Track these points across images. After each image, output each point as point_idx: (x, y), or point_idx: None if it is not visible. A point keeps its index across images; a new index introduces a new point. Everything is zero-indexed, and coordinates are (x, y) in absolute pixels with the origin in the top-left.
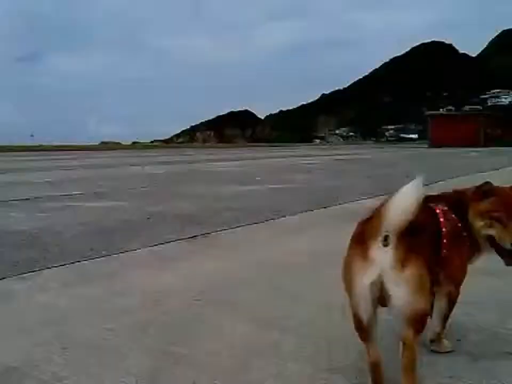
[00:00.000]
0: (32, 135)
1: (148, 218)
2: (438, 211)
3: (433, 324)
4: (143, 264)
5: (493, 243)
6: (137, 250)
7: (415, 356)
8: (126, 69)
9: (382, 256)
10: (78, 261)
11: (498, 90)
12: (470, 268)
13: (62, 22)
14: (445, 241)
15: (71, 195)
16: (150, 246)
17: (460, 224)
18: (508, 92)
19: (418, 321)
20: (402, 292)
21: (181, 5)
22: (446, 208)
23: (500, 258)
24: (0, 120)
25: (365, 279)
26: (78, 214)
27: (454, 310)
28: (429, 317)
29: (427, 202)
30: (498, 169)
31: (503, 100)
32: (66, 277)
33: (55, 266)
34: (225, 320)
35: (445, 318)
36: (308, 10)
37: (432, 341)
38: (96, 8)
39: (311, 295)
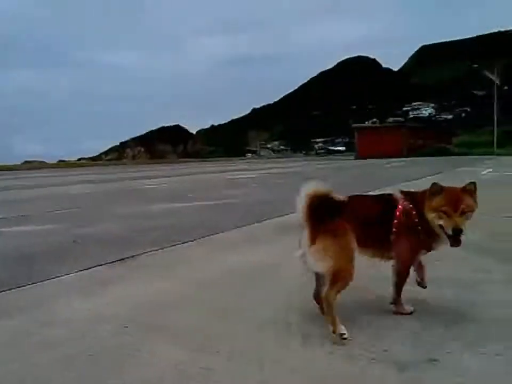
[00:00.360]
0: None
1: (74, 241)
2: (399, 206)
3: (391, 291)
4: (70, 291)
5: (442, 230)
6: (63, 277)
7: (330, 303)
8: (52, 84)
9: (303, 238)
10: (0, 291)
11: (419, 103)
12: None
13: None
14: (394, 229)
15: None
16: (76, 272)
17: (416, 220)
18: (428, 105)
19: (329, 279)
20: (310, 260)
21: (112, 17)
22: (410, 205)
23: None
24: None
25: (296, 254)
26: (1, 240)
27: None
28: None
29: (403, 198)
30: (421, 178)
31: (423, 112)
32: None
33: None
34: (156, 346)
35: (396, 286)
36: (240, 26)
37: (392, 303)
38: (19, 20)
39: (246, 312)
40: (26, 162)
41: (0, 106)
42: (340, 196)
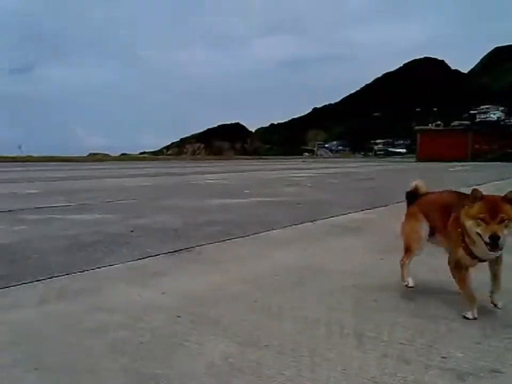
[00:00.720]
0: (20, 146)
1: (131, 231)
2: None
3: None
4: (124, 279)
5: (480, 238)
6: (119, 265)
7: (401, 264)
8: (117, 81)
9: None
10: (56, 276)
11: (487, 106)
12: None
13: (56, 35)
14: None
15: (55, 207)
16: (131, 261)
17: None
18: (497, 108)
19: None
20: None
21: (173, 17)
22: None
23: None
24: None
25: None
26: (60, 227)
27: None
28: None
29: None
30: (484, 184)
31: (492, 116)
32: (43, 293)
33: (31, 282)
34: (206, 338)
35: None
36: (301, 25)
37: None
38: (88, 21)
39: (295, 311)
40: (91, 154)
41: (67, 101)
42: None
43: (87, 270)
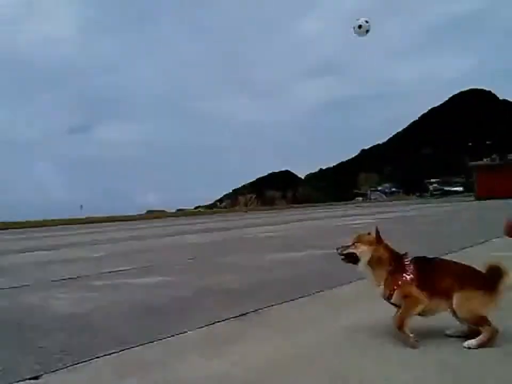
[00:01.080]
0: (81, 206)
1: (195, 294)
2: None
3: None
4: (193, 349)
5: None
6: (186, 333)
7: None
8: (165, 135)
9: None
10: (130, 347)
11: None
12: None
13: (110, 93)
14: None
15: (119, 271)
16: (198, 328)
17: None
18: None
19: None
20: None
21: (217, 67)
22: None
23: None
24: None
25: None
26: (127, 292)
27: None
28: None
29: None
30: None
31: None
32: (119, 366)
33: (107, 355)
34: None
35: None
36: (341, 67)
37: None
38: (140, 77)
39: (373, 377)
40: (148, 212)
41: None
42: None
43: (156, 341)
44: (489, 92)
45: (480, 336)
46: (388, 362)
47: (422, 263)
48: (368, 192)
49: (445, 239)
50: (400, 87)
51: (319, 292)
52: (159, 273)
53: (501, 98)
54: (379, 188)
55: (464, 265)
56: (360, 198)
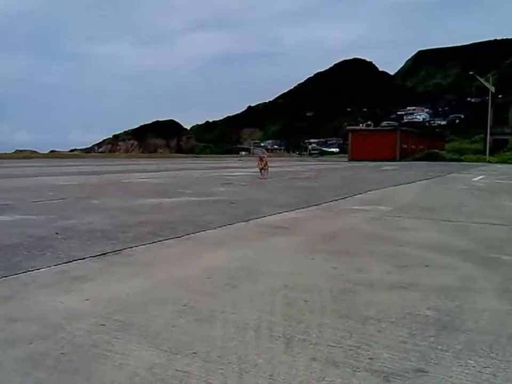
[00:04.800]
0: None
1: (56, 233)
2: None
3: None
4: (45, 285)
5: None
6: (41, 270)
7: None
8: (46, 75)
9: None
10: None
11: (413, 107)
12: None
13: None
14: None
15: None
16: (55, 265)
17: None
18: (422, 110)
19: None
20: None
21: (106, 12)
22: None
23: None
24: None
25: None
26: None
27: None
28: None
29: None
30: (412, 183)
31: (418, 117)
32: None
33: None
34: (131, 347)
35: None
36: (233, 23)
37: None
38: (14, 9)
39: (226, 315)
40: (17, 151)
41: None
42: None
43: (5, 276)
44: (370, 62)
45: None
46: (237, 300)
47: None
48: (252, 147)
49: (315, 193)
50: (291, 48)
51: (186, 235)
52: (18, 212)
53: (380, 69)
54: (262, 144)
55: None
56: (243, 152)
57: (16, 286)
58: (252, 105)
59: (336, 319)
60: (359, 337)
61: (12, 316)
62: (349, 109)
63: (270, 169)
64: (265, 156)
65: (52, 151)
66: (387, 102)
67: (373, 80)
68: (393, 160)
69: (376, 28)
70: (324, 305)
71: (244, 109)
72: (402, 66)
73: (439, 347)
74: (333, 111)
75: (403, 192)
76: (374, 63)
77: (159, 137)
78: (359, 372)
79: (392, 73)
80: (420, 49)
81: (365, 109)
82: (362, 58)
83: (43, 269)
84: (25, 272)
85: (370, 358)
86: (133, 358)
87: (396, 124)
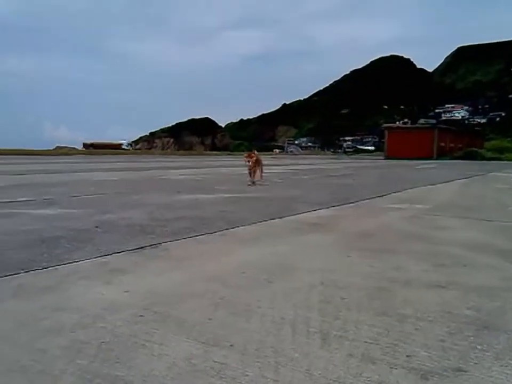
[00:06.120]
0: None
1: (96, 227)
2: None
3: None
4: (86, 277)
5: None
6: (81, 262)
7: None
8: (86, 74)
9: None
10: (15, 274)
11: (452, 105)
12: None
13: (25, 23)
14: None
15: (18, 201)
16: (95, 257)
17: None
18: (462, 107)
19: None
20: None
21: (144, 10)
22: None
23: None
24: None
25: None
26: (22, 222)
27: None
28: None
29: None
30: (450, 181)
31: (456, 114)
32: (3, 290)
33: None
34: (168, 338)
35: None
36: (269, 21)
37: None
38: (59, 10)
39: (262, 309)
40: (57, 147)
41: (31, 92)
42: None
43: (47, 268)
44: (408, 59)
45: None
46: (272, 296)
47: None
48: (286, 145)
49: (350, 190)
50: (324, 46)
51: (221, 230)
52: (60, 206)
53: (418, 66)
54: (296, 142)
55: None
56: (277, 150)
57: (59, 276)
58: (287, 102)
59: (373, 317)
60: (396, 335)
61: (55, 305)
62: (385, 107)
63: (303, 166)
64: (255, 152)
65: (90, 145)
66: (425, 100)
67: (411, 77)
68: (431, 158)
69: (414, 24)
70: (360, 303)
71: (279, 106)
72: (441, 63)
73: (479, 347)
74: (369, 109)
75: (441, 191)
76: (411, 60)
77: (194, 135)
78: (396, 369)
79: (430, 70)
80: (459, 45)
81: (402, 107)
82: (400, 55)
83: (83, 261)
84: (67, 263)
85: (407, 356)
86: (171, 348)
87: (434, 121)
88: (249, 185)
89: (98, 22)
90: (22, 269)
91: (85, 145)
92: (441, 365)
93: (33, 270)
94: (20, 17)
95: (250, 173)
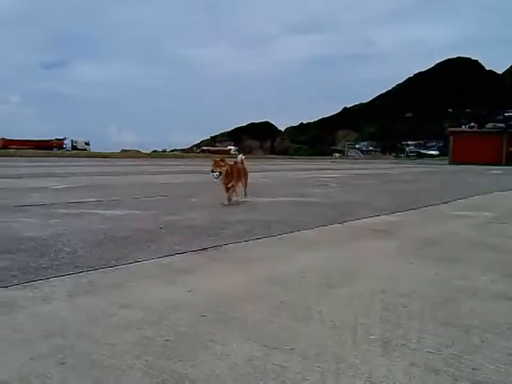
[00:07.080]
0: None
1: (160, 228)
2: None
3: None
4: (151, 276)
5: None
6: (147, 261)
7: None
8: (148, 79)
9: None
10: (87, 271)
11: None
12: None
13: (87, 31)
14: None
15: (88, 202)
16: (159, 257)
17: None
18: None
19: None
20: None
21: (201, 16)
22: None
23: None
24: (25, 126)
25: None
26: (92, 222)
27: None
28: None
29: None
30: None
31: None
32: (72, 286)
33: (62, 276)
34: (230, 338)
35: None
36: (328, 25)
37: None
38: (120, 19)
39: (323, 314)
40: (123, 151)
41: (97, 98)
42: None
43: (115, 266)
44: (476, 61)
45: None
46: (333, 301)
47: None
48: (346, 149)
49: (413, 196)
50: (385, 49)
51: (280, 234)
52: (127, 207)
53: (487, 68)
54: (356, 146)
55: None
56: (337, 154)
57: (126, 275)
58: (347, 106)
59: (436, 326)
60: (461, 346)
61: (123, 302)
62: (450, 110)
63: (365, 170)
64: (241, 156)
65: (153, 151)
66: (493, 103)
67: (478, 80)
68: (499, 164)
69: (482, 24)
70: (423, 311)
71: (339, 110)
72: None
73: None
74: (434, 112)
75: (510, 198)
76: (479, 61)
77: (254, 139)
78: (461, 381)
79: (500, 72)
80: None
81: (468, 110)
82: (467, 56)
83: (149, 260)
84: (133, 262)
85: (473, 368)
86: (233, 349)
87: (503, 126)
88: (226, 205)
89: (158, 29)
90: (92, 267)
91: (202, 150)
92: (509, 380)
93: (102, 268)
94: (85, 26)
95: (228, 190)
